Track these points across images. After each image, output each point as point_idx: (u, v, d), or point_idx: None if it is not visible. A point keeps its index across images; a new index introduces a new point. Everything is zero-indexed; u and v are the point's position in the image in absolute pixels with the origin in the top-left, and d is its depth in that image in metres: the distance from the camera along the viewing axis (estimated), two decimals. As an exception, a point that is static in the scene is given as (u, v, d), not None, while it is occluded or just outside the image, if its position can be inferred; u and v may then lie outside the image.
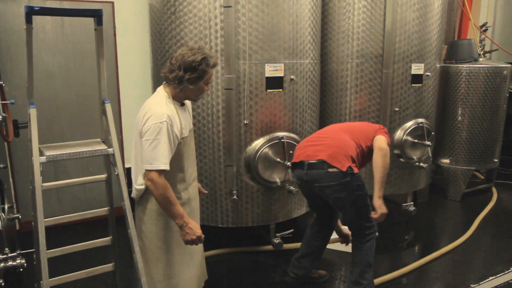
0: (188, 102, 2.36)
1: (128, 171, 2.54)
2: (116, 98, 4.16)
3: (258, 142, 3.32)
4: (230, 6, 3.10)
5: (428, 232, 4.20)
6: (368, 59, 3.95)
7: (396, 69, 3.96)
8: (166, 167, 2.05)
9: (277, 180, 3.39)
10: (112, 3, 4.02)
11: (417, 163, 4.18)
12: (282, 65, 3.31)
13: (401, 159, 4.15)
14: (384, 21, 3.86)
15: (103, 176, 2.40)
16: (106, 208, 2.48)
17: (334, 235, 3.27)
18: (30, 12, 1.79)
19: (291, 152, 3.31)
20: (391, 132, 4.06)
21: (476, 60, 4.87)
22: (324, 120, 4.14)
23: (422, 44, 4.04)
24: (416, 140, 4.10)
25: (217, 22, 3.14)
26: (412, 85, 4.06)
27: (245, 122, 3.28)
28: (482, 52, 5.31)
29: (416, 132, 4.10)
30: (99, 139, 2.39)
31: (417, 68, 4.06)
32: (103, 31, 2.05)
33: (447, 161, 4.98)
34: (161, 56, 3.46)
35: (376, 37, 3.90)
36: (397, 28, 3.89)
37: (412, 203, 4.35)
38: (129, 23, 4.11)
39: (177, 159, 2.20)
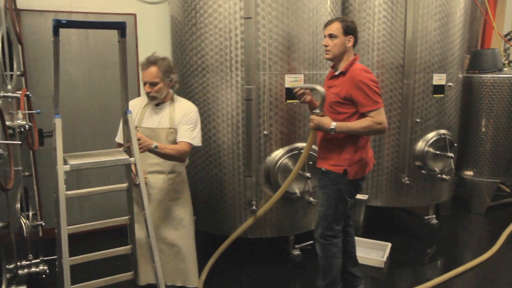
0: (179, 109, 2.77)
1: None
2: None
3: (278, 153, 3.32)
4: (250, 18, 3.13)
5: (451, 246, 4.10)
6: (389, 69, 3.92)
7: (417, 79, 3.92)
8: (117, 139, 2.90)
9: (297, 191, 3.37)
10: (135, 15, 4.10)
11: (439, 175, 4.10)
12: (302, 75, 3.32)
13: (423, 171, 4.08)
14: (404, 31, 3.84)
15: (124, 185, 2.43)
16: (127, 217, 2.51)
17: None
18: (58, 25, 1.84)
19: (310, 163, 3.29)
20: (412, 143, 4.00)
21: (500, 70, 4.78)
22: (344, 130, 4.11)
23: (444, 54, 3.99)
24: (438, 152, 4.03)
25: (237, 33, 3.17)
26: (434, 95, 4.01)
27: (265, 132, 3.28)
28: (506, 62, 5.20)
29: (438, 143, 4.04)
30: (121, 149, 2.42)
31: (439, 79, 4.00)
32: (126, 43, 2.09)
33: (470, 173, 4.87)
34: (182, 67, 3.50)
35: (397, 47, 3.88)
36: (418, 38, 3.85)
37: (434, 216, 4.27)
38: (151, 35, 4.19)
39: None
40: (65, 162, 2.12)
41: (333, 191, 2.70)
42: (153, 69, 2.71)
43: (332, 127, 2.52)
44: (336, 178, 2.68)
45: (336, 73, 2.70)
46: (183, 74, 3.51)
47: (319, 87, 2.46)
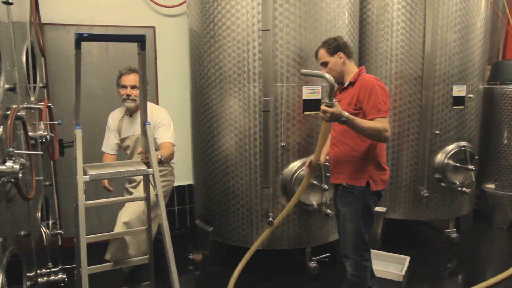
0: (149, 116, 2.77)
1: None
2: (156, 119, 4.27)
3: (295, 165, 3.31)
4: (268, 30, 3.15)
5: (472, 261, 4.00)
6: (407, 81, 3.89)
7: (436, 91, 3.88)
8: (103, 149, 3.34)
9: (314, 203, 3.35)
10: (154, 28, 4.17)
11: (459, 188, 4.02)
12: (320, 87, 3.31)
13: (443, 184, 4.01)
14: (423, 42, 3.81)
15: (143, 195, 2.46)
16: (144, 228, 2.53)
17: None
18: (80, 39, 1.89)
19: (328, 175, 3.27)
20: (431, 155, 3.95)
21: (522, 81, 4.69)
22: (361, 142, 4.08)
23: (464, 65, 3.94)
24: (458, 164, 3.96)
25: (255, 45, 3.20)
26: (454, 107, 3.95)
27: (282, 144, 3.28)
28: (528, 73, 5.10)
29: (458, 155, 3.97)
30: (139, 160, 2.45)
31: (458, 90, 3.95)
32: (145, 55, 2.13)
33: (492, 186, 4.77)
34: (200, 78, 3.54)
35: (416, 58, 3.85)
36: (437, 49, 3.82)
37: (454, 229, 4.18)
38: (170, 47, 4.25)
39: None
40: (85, 173, 2.16)
41: (359, 206, 2.62)
42: (135, 76, 3.09)
43: (343, 118, 2.34)
44: (361, 192, 2.60)
45: (345, 84, 2.67)
46: (201, 86, 3.54)
47: (327, 75, 2.34)
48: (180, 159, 4.40)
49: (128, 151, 3.28)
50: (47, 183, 3.28)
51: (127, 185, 3.37)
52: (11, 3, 1.98)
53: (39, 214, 2.68)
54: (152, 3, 4.11)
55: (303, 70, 2.48)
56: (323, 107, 2.31)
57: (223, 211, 3.52)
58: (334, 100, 2.31)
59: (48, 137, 2.75)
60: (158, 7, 4.15)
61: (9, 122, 2.04)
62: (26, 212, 2.34)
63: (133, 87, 3.10)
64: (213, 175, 3.55)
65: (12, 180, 1.89)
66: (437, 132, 3.93)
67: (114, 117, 3.32)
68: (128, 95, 3.09)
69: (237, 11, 3.22)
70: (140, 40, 2.02)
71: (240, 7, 3.21)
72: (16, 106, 2.26)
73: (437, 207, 4.07)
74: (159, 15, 4.19)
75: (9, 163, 1.83)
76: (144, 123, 2.30)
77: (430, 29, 3.77)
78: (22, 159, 2.00)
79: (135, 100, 3.10)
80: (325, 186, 3.25)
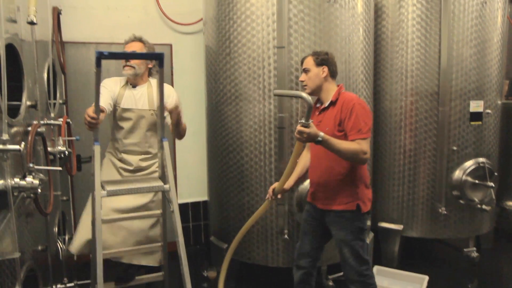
0: (167, 93, 2.75)
1: (181, 206, 2.60)
2: (172, 136, 4.30)
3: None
4: (283, 47, 3.18)
5: (494, 281, 3.89)
6: (423, 96, 3.86)
7: (453, 106, 3.84)
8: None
9: (329, 219, 3.31)
10: (171, 45, 4.24)
11: (479, 206, 3.94)
12: (335, 103, 3.31)
13: (461, 201, 3.93)
14: (439, 58, 3.79)
15: (158, 211, 2.47)
16: (159, 244, 2.53)
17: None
18: (100, 57, 1.93)
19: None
20: (449, 172, 3.89)
21: (541, 97, 4.62)
22: (377, 159, 4.05)
23: (481, 81, 3.89)
24: (477, 181, 3.88)
25: (271, 62, 3.22)
26: (471, 123, 3.90)
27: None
28: (547, 88, 5.03)
29: (477, 172, 3.90)
30: (156, 176, 2.47)
31: (476, 106, 3.90)
32: (163, 73, 2.17)
33: (512, 203, 4.66)
34: (215, 95, 3.57)
35: (431, 74, 3.82)
36: (453, 65, 3.79)
37: (474, 248, 4.08)
38: (186, 64, 4.31)
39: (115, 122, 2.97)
40: (102, 188, 2.18)
41: (354, 229, 2.59)
42: (139, 44, 2.90)
43: (319, 138, 2.30)
44: (353, 215, 2.57)
45: (326, 104, 2.60)
46: (217, 102, 3.57)
47: (305, 95, 2.28)
48: (195, 175, 4.42)
49: (126, 125, 2.96)
50: (64, 198, 3.32)
51: (117, 162, 3.04)
52: (35, 23, 2.04)
53: (56, 229, 2.71)
54: (169, 21, 4.19)
55: (276, 91, 2.44)
56: (299, 127, 2.27)
57: (238, 228, 3.49)
58: (310, 121, 2.27)
59: (67, 152, 2.79)
60: (175, 25, 4.22)
61: (29, 138, 2.08)
62: (43, 227, 2.37)
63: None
64: (228, 192, 3.55)
65: (31, 195, 1.92)
66: (455, 148, 3.87)
67: (111, 83, 3.00)
68: (128, 64, 2.87)
69: (252, 28, 3.26)
70: (159, 57, 2.06)
71: (255, 25, 3.25)
72: (36, 122, 2.31)
73: (456, 225, 3.98)
74: (176, 32, 4.27)
75: (29, 179, 1.86)
76: (161, 139, 2.32)
77: (445, 45, 3.75)
78: (41, 175, 2.03)
79: (133, 67, 2.86)
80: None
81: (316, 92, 2.63)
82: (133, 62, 2.85)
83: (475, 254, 4.02)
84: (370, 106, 3.70)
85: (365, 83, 3.54)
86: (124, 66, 2.89)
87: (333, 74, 2.64)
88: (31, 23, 2.02)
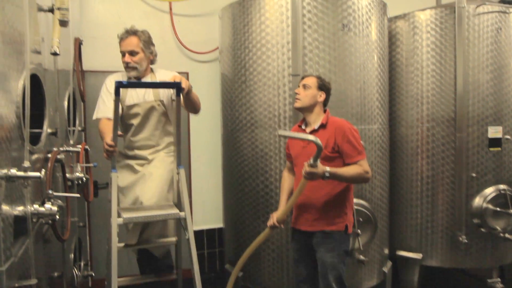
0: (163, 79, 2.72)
1: (196, 233, 2.59)
2: (187, 163, 4.34)
3: (326, 208, 3.26)
4: (298, 75, 3.21)
5: (519, 314, 3.74)
6: (440, 122, 3.82)
7: (470, 132, 3.79)
8: (100, 115, 2.81)
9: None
10: (187, 73, 4.32)
11: (501, 234, 3.82)
12: (350, 130, 3.31)
13: (483, 229, 3.82)
14: (455, 84, 3.77)
15: (174, 239, 2.46)
16: (174, 273, 2.51)
17: None
18: (120, 86, 1.98)
19: (360, 219, 3.20)
20: (468, 199, 3.80)
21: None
22: (394, 186, 3.99)
23: (499, 106, 3.85)
24: (498, 209, 3.78)
25: (286, 90, 3.25)
26: (490, 149, 3.83)
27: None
28: None
29: (498, 199, 3.80)
30: (171, 203, 2.48)
31: (494, 131, 3.85)
32: (180, 101, 2.21)
33: (536, 232, 4.52)
34: (231, 122, 3.61)
35: (447, 100, 3.80)
36: (470, 90, 3.76)
37: (499, 279, 3.93)
38: (202, 91, 4.33)
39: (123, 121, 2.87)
40: (119, 215, 2.19)
41: (341, 251, 2.59)
42: (134, 39, 2.71)
43: (327, 174, 2.39)
44: (341, 237, 2.58)
45: (316, 127, 2.65)
46: (232, 129, 3.60)
47: (313, 138, 2.34)
48: (211, 202, 4.41)
49: (135, 121, 2.86)
50: (81, 224, 3.34)
51: (132, 162, 2.95)
52: (58, 54, 2.11)
53: (72, 255, 2.72)
54: (186, 50, 4.28)
55: (281, 132, 2.47)
56: (308, 169, 2.34)
57: (254, 256, 3.45)
58: (318, 161, 2.34)
59: (84, 179, 2.83)
60: (191, 53, 4.32)
61: (49, 165, 2.12)
62: (60, 253, 2.38)
63: (131, 52, 2.70)
64: (243, 219, 3.53)
65: (50, 221, 1.94)
66: (474, 175, 3.80)
67: (114, 80, 2.78)
68: (127, 63, 2.72)
69: (268, 57, 3.31)
70: (176, 86, 2.10)
71: (270, 53, 3.30)
72: (56, 149, 2.35)
73: (478, 254, 3.86)
74: (192, 61, 4.35)
75: (48, 205, 1.89)
76: (177, 166, 2.34)
77: (461, 71, 3.74)
78: (59, 201, 2.06)
79: (135, 68, 2.73)
80: (358, 230, 3.16)
81: (305, 110, 2.70)
82: (134, 62, 2.71)
83: (499, 286, 3.88)
84: (386, 133, 3.68)
85: (381, 109, 3.53)
86: (126, 68, 2.77)
87: (326, 103, 2.76)
88: (54, 54, 2.09)
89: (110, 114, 2.74)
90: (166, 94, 2.77)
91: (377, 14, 3.54)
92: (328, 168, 2.39)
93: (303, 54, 3.22)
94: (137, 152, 2.88)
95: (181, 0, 4.18)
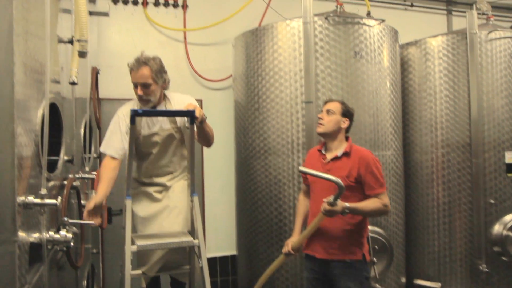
0: (178, 106, 2.68)
1: (209, 260, 2.56)
2: (201, 189, 4.35)
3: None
4: (311, 102, 3.23)
5: None
6: (455, 148, 3.78)
7: (487, 158, 3.74)
8: (104, 149, 2.63)
9: (362, 276, 3.19)
10: (201, 100, 4.37)
11: (523, 263, 3.71)
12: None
13: (504, 258, 3.71)
14: (469, 109, 3.75)
15: (187, 267, 2.44)
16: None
17: None
18: (135, 115, 2.02)
19: (376, 247, 3.14)
20: (487, 226, 3.72)
21: None
22: (410, 213, 3.93)
23: (515, 131, 3.81)
24: (519, 236, 3.69)
25: (299, 116, 3.27)
26: (508, 174, 3.77)
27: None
28: None
29: (519, 227, 3.71)
30: (185, 230, 2.47)
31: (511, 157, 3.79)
32: (194, 129, 2.23)
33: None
34: (244, 149, 3.62)
35: (462, 125, 3.77)
36: (485, 115, 3.74)
37: (520, 310, 3.80)
38: (216, 119, 4.39)
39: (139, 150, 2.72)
40: (133, 242, 2.19)
41: (363, 278, 2.54)
42: (145, 70, 2.53)
43: (346, 210, 2.37)
44: (360, 266, 2.53)
45: (338, 154, 2.60)
46: (246, 156, 3.61)
47: (334, 178, 2.32)
48: (224, 229, 4.38)
49: (154, 149, 2.74)
50: (94, 250, 3.34)
51: (149, 189, 2.82)
52: (76, 83, 2.16)
53: (85, 282, 2.71)
54: (200, 78, 4.36)
55: (302, 168, 2.44)
56: (327, 207, 2.32)
57: (268, 284, 3.40)
58: (338, 200, 2.32)
59: (99, 205, 2.84)
60: (205, 81, 4.39)
61: (65, 192, 2.14)
62: (73, 280, 2.38)
63: (143, 85, 2.54)
64: (257, 246, 3.49)
65: (64, 248, 1.95)
66: (492, 201, 3.73)
67: (127, 111, 2.63)
68: (140, 96, 2.59)
69: (280, 84, 3.35)
70: (189, 115, 2.12)
71: (283, 81, 3.34)
72: (72, 176, 2.38)
73: (500, 284, 3.74)
74: (206, 88, 4.42)
75: (63, 232, 1.90)
76: (191, 194, 2.34)
77: (475, 96, 3.73)
78: (74, 228, 2.07)
79: (149, 100, 2.59)
80: (374, 259, 3.10)
81: (328, 136, 2.65)
82: (147, 95, 2.58)
83: (521, 317, 3.74)
84: (400, 159, 3.65)
85: (394, 135, 3.52)
86: (139, 100, 2.66)
87: (348, 129, 2.72)
88: (73, 83, 2.15)
89: (115, 153, 2.63)
90: (182, 119, 2.74)
91: (389, 41, 3.58)
92: (347, 204, 2.36)
93: (315, 81, 3.25)
94: (155, 179, 2.79)
95: (195, 30, 4.28)
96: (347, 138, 2.68)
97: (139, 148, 2.75)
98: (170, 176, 2.81)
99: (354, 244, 2.53)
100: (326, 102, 2.75)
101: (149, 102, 2.61)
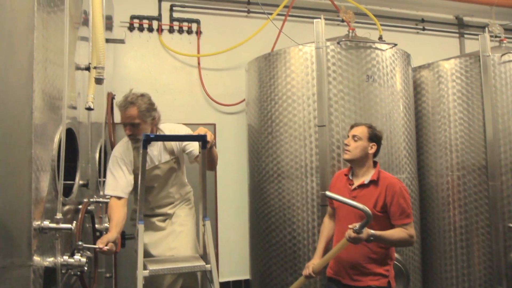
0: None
1: (222, 285, 2.54)
2: (214, 214, 4.34)
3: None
4: (324, 126, 3.24)
5: None
6: (471, 171, 3.73)
7: (504, 181, 3.67)
8: (111, 191, 2.56)
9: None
10: (214, 125, 4.42)
11: (546, 290, 3.59)
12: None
13: (525, 285, 3.61)
14: (484, 131, 3.71)
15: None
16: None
17: None
18: (147, 140, 2.04)
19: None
20: (507, 251, 3.61)
21: None
22: (426, 237, 3.85)
23: (533, 153, 3.74)
24: (541, 262, 3.58)
25: (312, 140, 3.27)
26: (527, 198, 3.69)
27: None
28: None
29: (540, 252, 3.60)
30: (197, 255, 2.46)
31: (530, 179, 3.72)
32: (206, 154, 2.25)
33: None
34: (258, 173, 3.62)
35: (477, 148, 3.72)
36: (501, 138, 3.69)
37: None
38: (229, 142, 4.44)
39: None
40: (145, 267, 2.18)
41: None
42: (133, 110, 2.53)
43: (371, 238, 2.30)
44: None
45: (366, 181, 2.53)
46: (259, 180, 3.61)
47: (362, 206, 2.28)
48: (237, 253, 4.35)
49: (156, 183, 2.78)
50: (108, 275, 3.33)
51: (152, 219, 2.85)
52: (92, 109, 2.21)
53: (98, 308, 2.69)
54: (213, 102, 4.41)
55: (328, 193, 2.40)
56: (353, 235, 2.26)
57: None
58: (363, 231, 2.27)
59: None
60: (218, 105, 4.44)
61: (80, 216, 2.16)
62: (86, 306, 2.36)
63: (132, 124, 2.55)
64: (270, 271, 3.45)
65: (78, 273, 1.95)
66: (511, 225, 3.64)
67: (122, 150, 2.72)
68: (129, 135, 2.60)
69: (293, 108, 3.37)
70: (201, 139, 2.14)
71: (296, 105, 3.36)
72: (87, 200, 2.41)
73: (524, 313, 3.62)
74: (219, 113, 4.46)
75: (77, 257, 1.91)
76: (203, 218, 2.34)
77: (490, 118, 3.69)
78: (88, 252, 2.08)
79: (139, 139, 2.51)
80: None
81: (355, 163, 2.59)
82: (136, 134, 2.58)
83: None
84: (415, 182, 3.61)
85: (408, 158, 3.49)
86: (130, 139, 2.66)
87: (376, 154, 2.64)
88: (89, 109, 2.19)
89: (123, 193, 2.60)
90: (178, 148, 2.75)
91: (401, 64, 3.59)
92: (373, 232, 2.31)
93: (328, 105, 3.27)
94: (156, 210, 2.85)
95: (209, 55, 4.36)
96: (375, 163, 2.62)
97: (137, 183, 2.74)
98: (171, 205, 2.87)
99: (379, 271, 2.48)
100: (352, 127, 2.68)
101: (140, 141, 2.51)
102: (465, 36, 5.43)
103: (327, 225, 2.78)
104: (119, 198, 2.56)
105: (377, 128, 2.69)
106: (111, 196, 2.58)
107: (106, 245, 2.17)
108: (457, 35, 5.43)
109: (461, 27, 5.42)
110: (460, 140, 3.78)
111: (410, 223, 2.44)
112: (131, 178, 2.66)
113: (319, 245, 2.74)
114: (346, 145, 2.60)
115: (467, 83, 3.78)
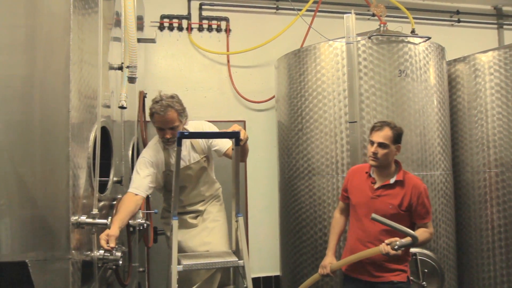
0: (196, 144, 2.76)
1: (252, 281, 2.55)
2: (244, 210, 4.36)
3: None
4: (355, 122, 3.19)
5: None
6: (510, 167, 3.59)
7: (546, 178, 3.52)
8: (131, 190, 2.48)
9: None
10: (244, 121, 4.43)
11: None
12: (411, 176, 3.19)
13: None
14: (524, 126, 3.57)
15: (231, 287, 2.44)
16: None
17: None
18: (181, 137, 2.07)
19: (425, 270, 3.01)
20: (550, 252, 3.47)
21: None
22: (462, 235, 3.74)
23: None
24: None
25: (343, 136, 3.24)
26: None
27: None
28: None
29: None
30: (230, 251, 2.48)
31: None
32: (239, 150, 2.26)
33: None
34: (288, 169, 3.61)
35: (517, 144, 3.58)
36: (542, 133, 3.54)
37: None
38: (259, 139, 4.44)
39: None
40: (179, 262, 2.22)
41: None
42: (173, 114, 2.51)
43: (403, 248, 2.36)
44: (407, 286, 2.48)
45: (391, 182, 2.48)
46: (289, 177, 3.60)
47: (413, 233, 2.29)
48: (267, 249, 4.36)
49: (188, 183, 2.79)
50: (141, 269, 3.41)
51: (183, 217, 2.84)
52: (125, 108, 2.26)
53: (132, 301, 2.76)
54: (243, 99, 4.42)
55: (374, 216, 2.35)
56: (392, 252, 2.28)
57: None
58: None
59: (145, 225, 2.92)
60: (248, 102, 4.45)
61: (114, 212, 2.22)
62: (121, 299, 2.43)
63: (173, 128, 2.55)
64: (301, 267, 3.44)
65: (113, 266, 2.01)
66: (553, 225, 3.49)
67: (152, 152, 2.70)
68: (168, 139, 2.57)
69: (324, 104, 3.34)
70: (234, 136, 2.15)
71: (327, 101, 3.33)
72: (120, 196, 2.47)
73: None
74: (249, 110, 4.48)
75: (113, 251, 1.97)
76: (236, 214, 2.36)
77: (531, 113, 3.55)
78: (123, 247, 2.13)
79: (175, 141, 2.41)
80: (424, 283, 2.97)
81: (384, 168, 2.53)
82: (175, 135, 2.47)
83: None
84: (450, 179, 3.51)
85: (443, 155, 3.40)
86: (166, 142, 2.65)
87: (398, 152, 2.57)
88: (122, 107, 2.24)
89: (143, 193, 2.52)
90: (205, 146, 2.79)
91: (435, 58, 3.49)
92: (404, 242, 2.33)
93: (359, 101, 3.22)
94: (188, 208, 2.89)
95: (238, 53, 4.37)
96: (396, 162, 2.58)
97: (168, 185, 2.81)
98: (202, 202, 2.92)
99: (400, 266, 2.49)
100: (373, 130, 2.53)
101: (173, 143, 2.55)
102: (504, 27, 5.22)
103: (339, 220, 2.77)
104: (136, 194, 2.48)
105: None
106: (128, 192, 2.50)
107: (107, 243, 2.00)
108: (496, 26, 5.22)
109: (500, 17, 5.20)
110: (498, 135, 3.64)
111: (430, 221, 2.53)
112: (154, 180, 2.63)
113: (332, 242, 2.73)
114: (374, 153, 2.47)
115: (506, 76, 3.64)
